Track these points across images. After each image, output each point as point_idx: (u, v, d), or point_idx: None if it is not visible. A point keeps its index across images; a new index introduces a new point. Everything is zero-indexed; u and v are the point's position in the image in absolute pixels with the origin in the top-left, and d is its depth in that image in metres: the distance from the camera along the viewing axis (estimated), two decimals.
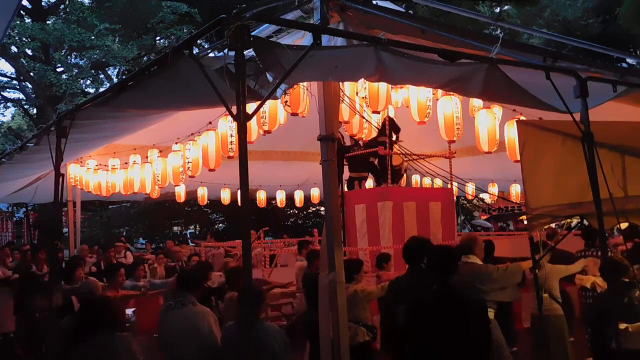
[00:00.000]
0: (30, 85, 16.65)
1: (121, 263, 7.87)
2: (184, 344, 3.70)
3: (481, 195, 11.98)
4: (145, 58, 16.37)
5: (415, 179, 11.04)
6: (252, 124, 5.50)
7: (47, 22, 15.69)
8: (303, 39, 4.29)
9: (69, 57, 16.70)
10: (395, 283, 4.10)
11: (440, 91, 5.79)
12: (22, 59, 15.76)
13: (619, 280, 4.27)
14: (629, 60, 14.93)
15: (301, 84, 4.57)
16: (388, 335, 4.29)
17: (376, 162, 8.21)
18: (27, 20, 15.95)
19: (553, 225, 8.75)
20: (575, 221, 3.94)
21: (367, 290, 4.85)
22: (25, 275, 7.16)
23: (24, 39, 15.44)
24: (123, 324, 4.31)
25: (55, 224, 6.73)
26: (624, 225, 5.50)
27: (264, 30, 4.50)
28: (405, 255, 4.08)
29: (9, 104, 20.21)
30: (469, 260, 4.80)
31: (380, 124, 7.22)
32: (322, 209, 16.50)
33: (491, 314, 4.71)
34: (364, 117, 5.89)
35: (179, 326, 3.76)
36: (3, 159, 6.81)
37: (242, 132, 2.73)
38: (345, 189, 8.67)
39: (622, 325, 3.93)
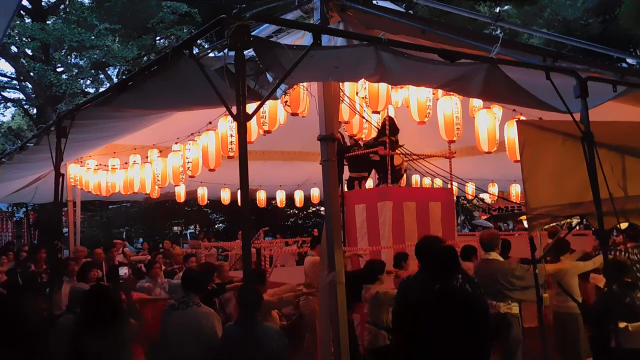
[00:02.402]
0: (30, 85, 16.63)
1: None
2: (187, 343, 3.70)
3: (481, 195, 11.97)
4: (145, 58, 16.35)
5: (415, 179, 11.03)
6: (252, 124, 5.50)
7: (47, 22, 15.67)
8: (303, 39, 4.29)
9: (69, 57, 16.68)
10: (405, 282, 4.10)
11: (440, 91, 5.79)
12: (22, 59, 15.75)
13: (621, 280, 4.28)
14: (629, 60, 14.93)
15: (301, 84, 4.58)
16: (397, 334, 4.30)
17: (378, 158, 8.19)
18: (27, 20, 15.93)
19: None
20: (575, 221, 3.96)
21: (389, 293, 4.82)
22: (15, 277, 7.09)
23: (24, 39, 15.41)
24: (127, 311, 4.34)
25: (55, 224, 6.72)
26: (624, 225, 5.53)
27: (264, 30, 4.50)
28: (417, 254, 4.08)
29: (9, 104, 20.20)
30: (490, 257, 4.88)
31: (380, 124, 7.22)
32: (322, 209, 16.49)
33: (515, 308, 4.77)
34: (364, 117, 5.89)
35: (182, 326, 3.76)
36: (3, 159, 6.79)
37: (242, 132, 2.72)
38: (345, 189, 8.67)
39: (622, 324, 3.94)
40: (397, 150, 7.68)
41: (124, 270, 6.04)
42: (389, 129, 7.49)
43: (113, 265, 7.48)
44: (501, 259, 4.98)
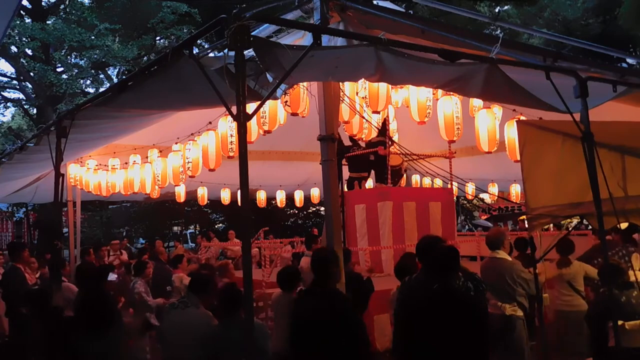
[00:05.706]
0: (30, 85, 16.62)
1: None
2: (183, 343, 3.71)
3: (481, 195, 11.98)
4: (145, 58, 16.34)
5: (415, 179, 11.04)
6: (252, 124, 5.50)
7: (47, 22, 15.65)
8: (303, 39, 4.29)
9: (69, 57, 16.67)
10: (407, 282, 4.10)
11: (440, 91, 5.79)
12: (22, 59, 15.73)
13: (618, 281, 4.29)
14: (629, 60, 14.93)
15: (301, 84, 4.58)
16: (397, 335, 4.29)
17: (372, 158, 8.18)
18: (27, 20, 15.91)
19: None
20: (575, 221, 3.97)
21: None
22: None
23: (24, 39, 15.39)
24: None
25: (55, 224, 6.72)
26: (624, 225, 5.54)
27: (264, 30, 4.50)
28: (417, 254, 4.07)
29: (9, 104, 20.20)
30: (498, 256, 4.87)
31: (380, 124, 7.23)
32: (322, 209, 16.49)
33: (520, 312, 4.76)
34: (364, 117, 5.89)
35: (180, 325, 3.78)
36: (3, 159, 6.80)
37: (242, 132, 2.72)
38: (345, 189, 8.67)
39: (619, 322, 3.94)
40: (396, 148, 7.69)
41: (113, 276, 6.04)
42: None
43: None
44: (509, 257, 4.97)
